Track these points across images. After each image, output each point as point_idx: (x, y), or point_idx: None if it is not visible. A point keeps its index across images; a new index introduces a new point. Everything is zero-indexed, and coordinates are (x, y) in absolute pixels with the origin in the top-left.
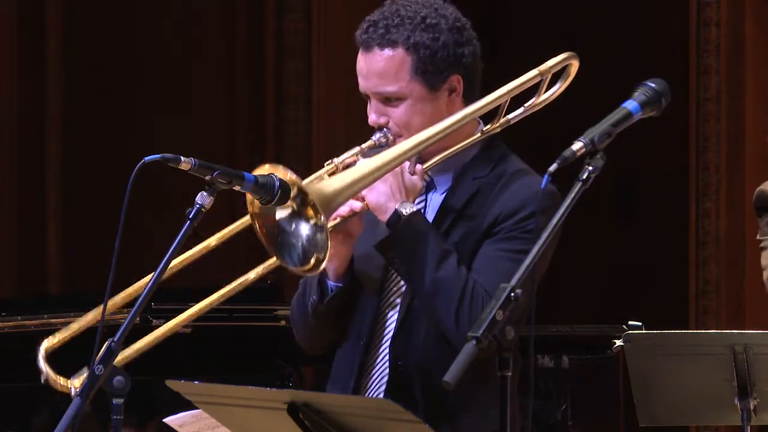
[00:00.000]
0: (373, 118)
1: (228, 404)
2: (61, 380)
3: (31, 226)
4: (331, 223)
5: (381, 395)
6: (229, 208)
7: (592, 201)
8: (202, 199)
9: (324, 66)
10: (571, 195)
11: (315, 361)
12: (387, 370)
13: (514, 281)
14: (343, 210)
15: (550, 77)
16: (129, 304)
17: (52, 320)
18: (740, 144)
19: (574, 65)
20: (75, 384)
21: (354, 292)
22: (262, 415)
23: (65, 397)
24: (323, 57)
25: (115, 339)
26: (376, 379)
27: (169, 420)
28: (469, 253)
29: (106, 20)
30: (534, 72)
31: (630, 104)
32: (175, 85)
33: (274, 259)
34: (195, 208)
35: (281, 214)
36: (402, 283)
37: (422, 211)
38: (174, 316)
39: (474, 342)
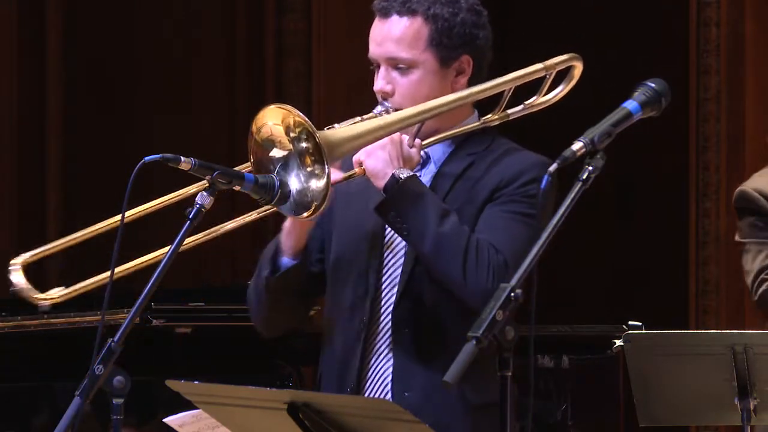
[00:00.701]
0: (379, 84)
1: (228, 404)
2: (36, 294)
3: (31, 226)
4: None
5: (389, 369)
6: (230, 208)
7: (592, 201)
8: (202, 199)
9: (324, 66)
10: (571, 195)
11: (315, 361)
12: (388, 342)
13: (514, 281)
14: (339, 176)
15: (553, 77)
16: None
17: (52, 320)
18: (740, 144)
19: (578, 68)
20: (51, 296)
21: (341, 271)
22: (262, 415)
23: (65, 397)
24: (323, 57)
25: (115, 339)
26: (375, 353)
27: (169, 420)
28: (467, 221)
29: (106, 20)
30: (539, 66)
31: (630, 104)
32: (175, 85)
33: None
34: (195, 208)
35: (280, 154)
36: (398, 258)
37: None
38: (174, 316)
39: (474, 342)
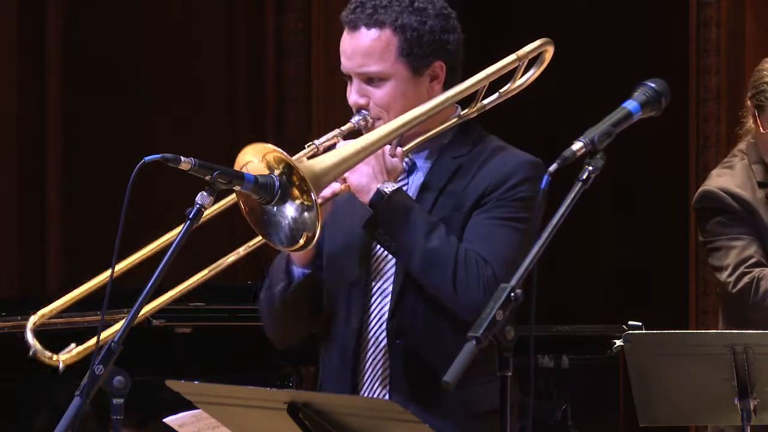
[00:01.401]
0: (353, 98)
1: (228, 404)
2: (49, 354)
3: (31, 226)
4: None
5: (386, 379)
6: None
7: (592, 201)
8: (202, 199)
9: (324, 66)
10: (571, 195)
11: (315, 361)
12: (383, 353)
13: (514, 281)
14: (326, 192)
15: (525, 63)
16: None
17: (52, 320)
18: None
19: (549, 51)
20: (62, 359)
21: (333, 283)
22: (262, 415)
23: (65, 397)
24: (323, 57)
25: (115, 339)
26: (370, 366)
27: (169, 420)
28: (456, 228)
29: (106, 20)
30: (512, 57)
31: (630, 104)
32: (175, 85)
33: (258, 239)
34: (195, 208)
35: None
36: (388, 268)
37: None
38: (174, 316)
39: (474, 342)
